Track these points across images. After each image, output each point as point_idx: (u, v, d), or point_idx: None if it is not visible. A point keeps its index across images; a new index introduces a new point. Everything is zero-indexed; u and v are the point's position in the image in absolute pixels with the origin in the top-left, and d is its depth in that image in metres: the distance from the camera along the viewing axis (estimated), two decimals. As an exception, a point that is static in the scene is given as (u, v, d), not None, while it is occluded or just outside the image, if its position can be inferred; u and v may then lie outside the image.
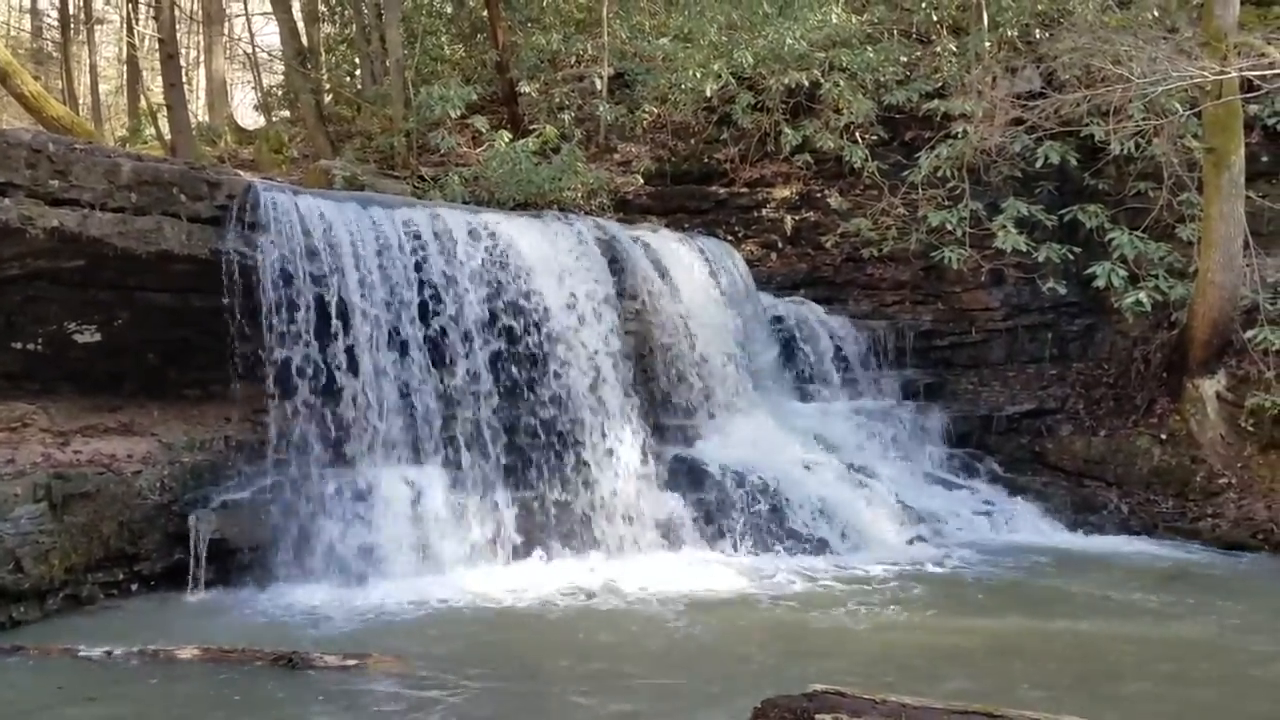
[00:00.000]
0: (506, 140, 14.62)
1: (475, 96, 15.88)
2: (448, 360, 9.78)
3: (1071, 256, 13.00)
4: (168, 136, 17.39)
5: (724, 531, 10.03)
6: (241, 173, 10.94)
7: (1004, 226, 12.89)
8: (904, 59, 15.15)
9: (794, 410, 12.47)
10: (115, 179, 8.67)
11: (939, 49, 15.24)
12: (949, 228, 13.16)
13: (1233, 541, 10.57)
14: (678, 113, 16.08)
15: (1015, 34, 14.86)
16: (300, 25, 20.62)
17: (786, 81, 14.82)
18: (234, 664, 6.54)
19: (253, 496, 8.86)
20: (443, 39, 19.70)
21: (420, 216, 10.18)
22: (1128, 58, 11.14)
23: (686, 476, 10.45)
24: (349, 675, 6.38)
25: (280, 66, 23.62)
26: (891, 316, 14.01)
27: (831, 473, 11.03)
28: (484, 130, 15.40)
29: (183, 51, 24.85)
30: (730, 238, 14.31)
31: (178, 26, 21.39)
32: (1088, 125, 12.47)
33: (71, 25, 22.79)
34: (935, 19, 15.76)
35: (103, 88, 25.63)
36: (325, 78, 20.51)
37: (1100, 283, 12.28)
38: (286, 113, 21.81)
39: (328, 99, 19.89)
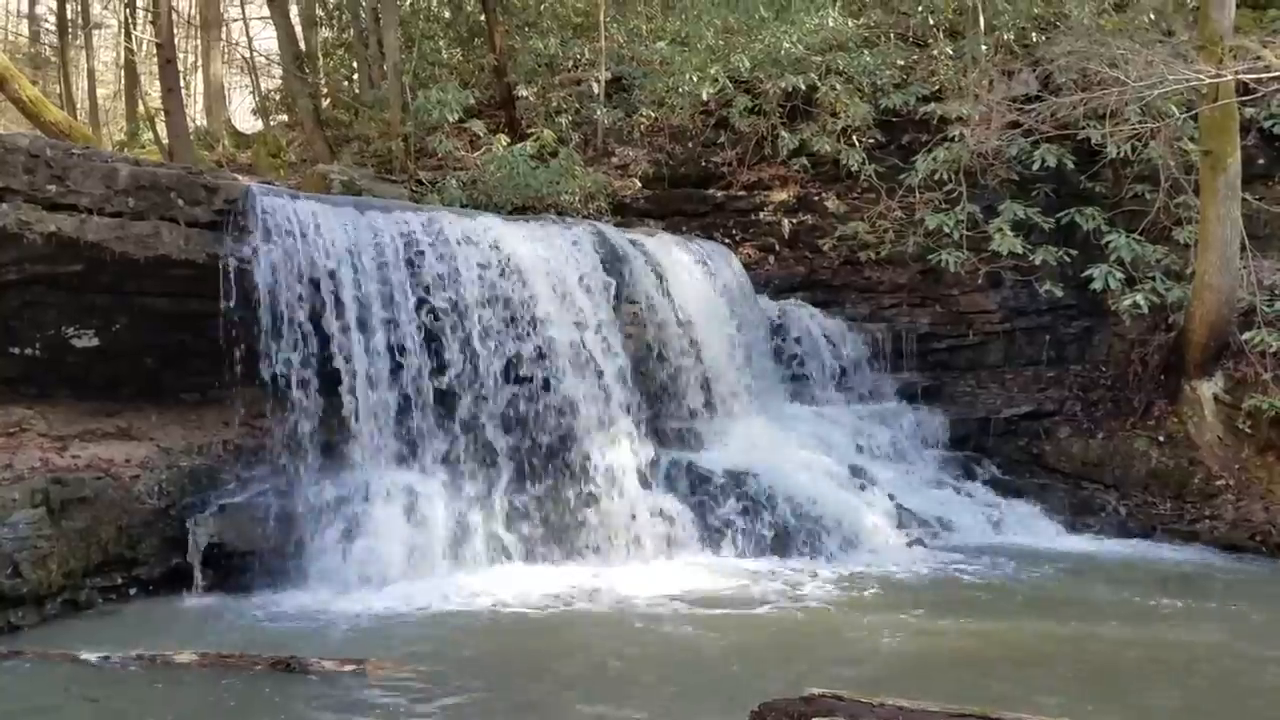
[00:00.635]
0: (504, 144, 14.64)
1: (473, 100, 15.91)
2: (445, 364, 9.77)
3: (1068, 259, 13.02)
4: (165, 141, 17.39)
5: (722, 535, 10.03)
6: (239, 177, 10.93)
7: (1001, 229, 12.91)
8: (901, 62, 15.18)
9: (792, 413, 12.48)
10: (113, 184, 8.68)
11: (936, 52, 15.27)
12: (946, 231, 13.18)
13: (1231, 543, 10.58)
14: (675, 116, 16.10)
15: (1012, 37, 14.89)
16: (298, 30, 20.63)
17: (784, 85, 14.84)
18: (232, 669, 6.54)
19: (251, 501, 8.86)
20: (440, 43, 19.73)
21: (417, 220, 10.18)
22: (1124, 61, 11.16)
23: (685, 480, 10.45)
24: (347, 680, 6.38)
25: (278, 71, 23.65)
26: (889, 319, 14.02)
27: (830, 476, 11.03)
28: (482, 134, 15.42)
29: (180, 56, 24.83)
30: (728, 241, 14.32)
31: (175, 31, 21.38)
32: (1084, 128, 12.50)
33: (69, 30, 22.80)
34: (932, 22, 15.79)
35: (100, 92, 25.61)
36: (323, 82, 20.53)
37: (1097, 285, 12.30)
38: (284, 117, 21.82)
39: (325, 103, 19.91)
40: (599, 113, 16.31)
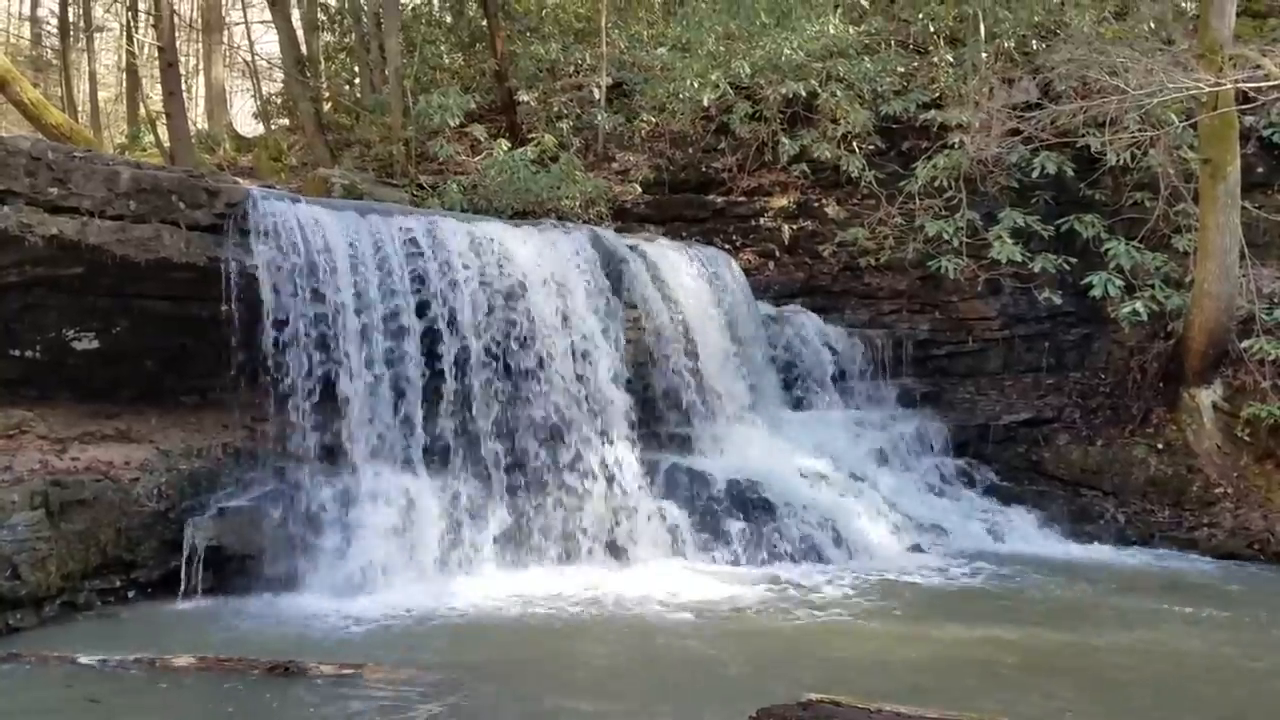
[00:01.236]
0: (505, 149, 14.66)
1: (474, 105, 15.95)
2: (445, 368, 9.78)
3: (1068, 266, 13.04)
4: (167, 144, 17.41)
5: (721, 540, 10.03)
6: (240, 181, 10.95)
7: (1000, 236, 12.94)
8: (901, 69, 15.21)
9: (791, 419, 12.48)
10: (114, 186, 8.70)
11: (936, 60, 15.30)
12: (946, 237, 13.20)
13: (1229, 551, 10.60)
14: (675, 122, 16.13)
15: (1012, 45, 14.93)
16: (299, 34, 20.66)
17: (784, 91, 14.88)
18: (230, 672, 6.54)
19: (250, 504, 8.86)
20: (442, 48, 19.78)
21: (418, 225, 10.20)
22: (1124, 69, 11.20)
23: (684, 485, 10.46)
24: (345, 684, 6.37)
25: (279, 75, 23.67)
26: (889, 325, 14.03)
27: (829, 482, 11.05)
28: (482, 139, 15.44)
29: (182, 59, 24.88)
30: (728, 247, 14.33)
31: (177, 34, 21.41)
32: (1084, 136, 12.53)
33: (71, 33, 22.82)
34: (932, 30, 15.82)
35: (102, 95, 25.65)
36: (324, 86, 20.56)
37: (1097, 292, 12.32)
38: (285, 121, 21.85)
39: (327, 107, 19.93)
40: (600, 118, 16.33)
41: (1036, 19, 15.02)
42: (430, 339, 9.77)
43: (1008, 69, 14.72)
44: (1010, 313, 13.82)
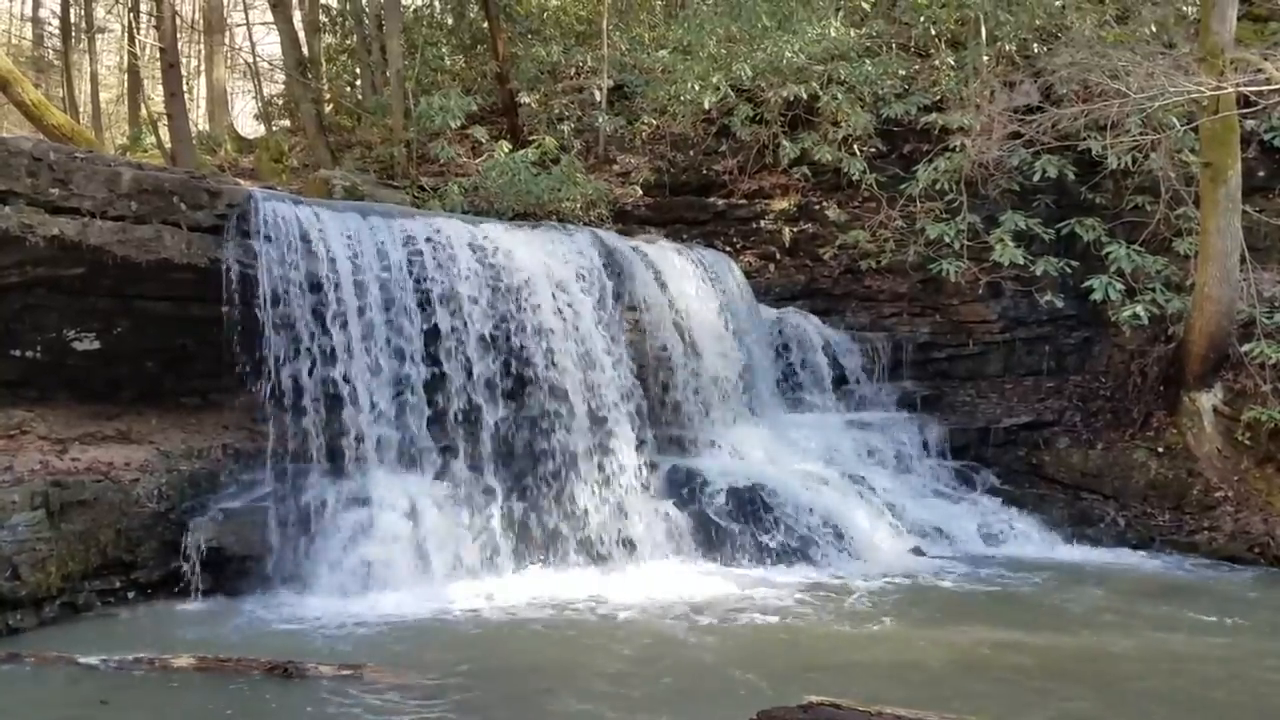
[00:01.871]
0: (506, 151, 14.67)
1: (475, 107, 15.95)
2: (445, 370, 9.79)
3: (1069, 270, 13.05)
4: (168, 145, 17.42)
5: (721, 542, 10.03)
6: (241, 182, 10.97)
7: (1001, 239, 12.94)
8: (902, 72, 15.21)
9: (791, 421, 12.48)
10: (115, 187, 8.71)
11: (937, 63, 15.31)
12: (947, 240, 13.20)
13: (1230, 555, 10.59)
14: (676, 124, 16.14)
15: (1013, 48, 14.93)
16: (301, 35, 20.67)
17: (785, 94, 14.88)
18: (230, 673, 6.53)
19: (250, 505, 8.86)
20: (443, 50, 19.77)
21: (419, 227, 10.21)
22: (1125, 73, 11.20)
23: (684, 487, 10.45)
24: (344, 685, 6.37)
25: (281, 76, 23.68)
26: (889, 328, 14.03)
27: (829, 484, 11.04)
28: (484, 141, 15.45)
29: (184, 60, 24.91)
30: (728, 249, 14.34)
31: (179, 35, 21.43)
32: (1085, 139, 12.53)
33: (73, 34, 22.83)
34: (933, 33, 15.83)
35: (103, 96, 25.67)
36: (326, 87, 20.56)
37: (1097, 296, 12.32)
38: (287, 122, 21.85)
39: (328, 109, 19.94)
40: (601, 120, 16.34)
41: (1038, 22, 15.03)
42: (432, 340, 9.77)
43: (1009, 72, 14.73)
44: (1011, 316, 13.81)
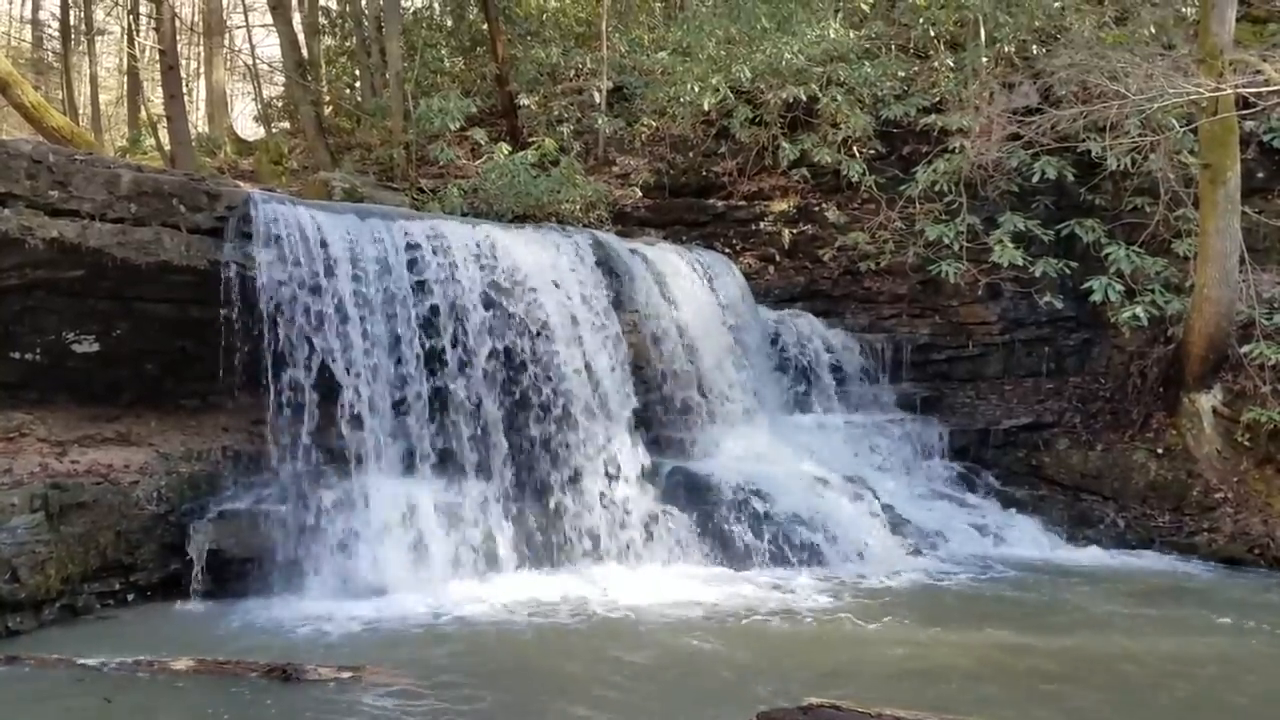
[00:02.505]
0: (505, 152, 14.67)
1: (474, 109, 15.96)
2: (445, 372, 9.79)
3: (1068, 271, 13.05)
4: (167, 147, 17.42)
5: (722, 544, 10.02)
6: (241, 184, 10.96)
7: (1001, 241, 12.94)
8: (901, 74, 15.22)
9: (791, 423, 12.48)
10: (115, 190, 8.71)
11: (936, 64, 15.32)
12: (946, 242, 13.21)
13: (1229, 556, 10.58)
14: (676, 126, 16.15)
15: (1012, 50, 14.94)
16: (301, 37, 20.69)
17: (784, 96, 14.89)
18: (229, 675, 6.53)
19: (250, 507, 8.86)
20: (442, 52, 19.79)
21: (419, 228, 10.21)
22: (1124, 74, 11.21)
23: (684, 489, 10.44)
24: (343, 687, 6.37)
25: (280, 78, 23.70)
26: (889, 329, 14.04)
27: (829, 485, 11.02)
28: (483, 142, 15.46)
29: (183, 63, 24.93)
30: (728, 250, 14.35)
31: (178, 38, 21.44)
32: (1084, 141, 12.53)
33: (72, 36, 22.85)
34: (933, 34, 15.84)
35: (103, 98, 25.68)
36: (325, 89, 20.57)
37: (1097, 297, 12.32)
38: (286, 124, 21.87)
39: (327, 111, 19.95)
40: (600, 122, 16.35)
41: (1037, 24, 15.04)
42: (431, 342, 9.77)
43: (1008, 73, 14.74)
44: (1010, 317, 13.82)
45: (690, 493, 10.40)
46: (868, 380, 13.49)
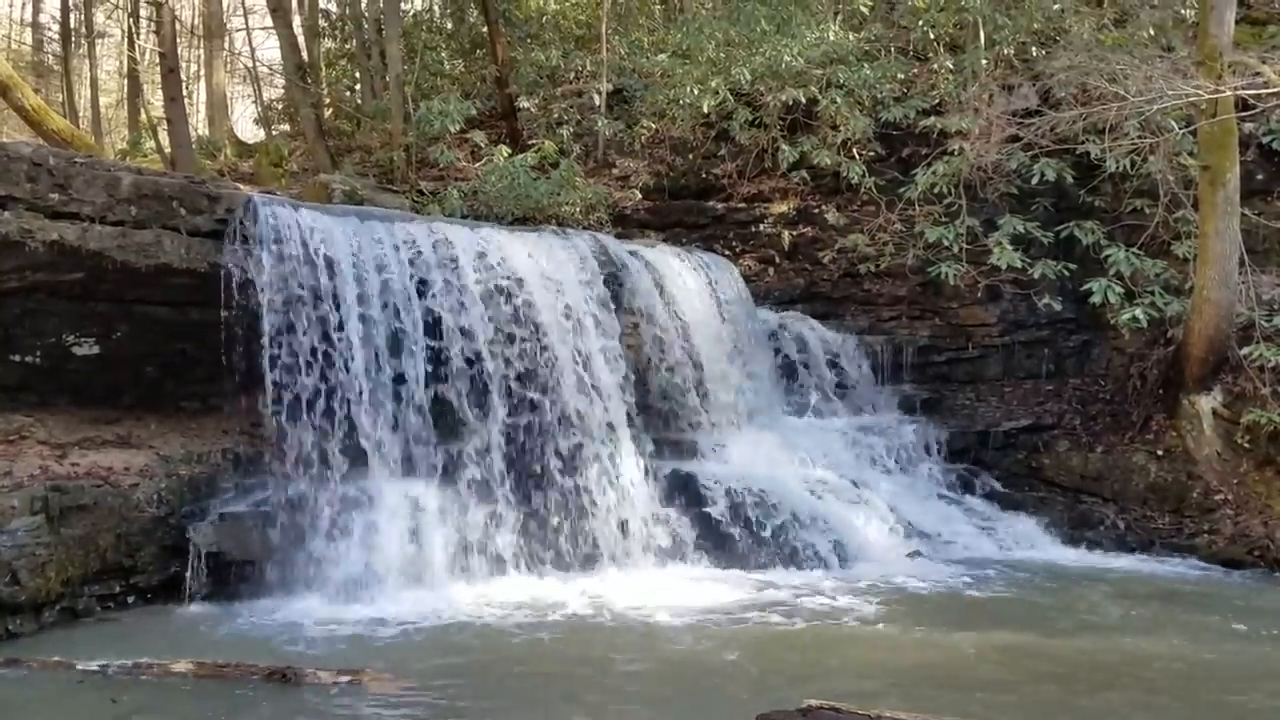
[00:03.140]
0: (505, 155, 14.69)
1: (474, 111, 15.97)
2: (446, 375, 9.78)
3: (1068, 273, 13.06)
4: (168, 150, 17.44)
5: (722, 546, 10.02)
6: (241, 186, 10.98)
7: (1000, 243, 12.95)
8: (901, 76, 15.24)
9: (791, 425, 12.48)
10: (115, 192, 8.71)
11: (936, 66, 15.33)
12: (946, 244, 13.22)
13: (1229, 558, 10.58)
14: (676, 128, 16.16)
15: (1012, 52, 14.95)
16: (301, 40, 20.71)
17: (784, 98, 14.90)
18: (228, 679, 6.52)
19: (250, 510, 8.86)
20: (442, 54, 19.81)
21: (419, 231, 10.21)
22: (1123, 76, 11.21)
23: (684, 491, 10.44)
24: (342, 691, 6.36)
25: (280, 81, 23.72)
26: (889, 332, 14.05)
27: (829, 488, 11.04)
28: (483, 145, 15.47)
29: (183, 65, 24.93)
30: (728, 253, 14.35)
31: (178, 41, 21.47)
32: (1084, 143, 12.54)
33: (72, 39, 22.87)
34: (932, 36, 15.85)
35: (103, 101, 25.71)
36: (325, 92, 20.59)
37: (1097, 299, 12.32)
38: (286, 127, 21.89)
39: (327, 113, 19.97)
40: (600, 124, 16.37)
41: (1036, 26, 15.05)
42: (432, 344, 9.77)
43: (1007, 75, 14.75)
44: (1010, 319, 13.83)
45: (690, 495, 10.40)
46: (868, 382, 13.49)
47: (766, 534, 10.12)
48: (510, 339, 10.13)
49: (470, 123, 15.77)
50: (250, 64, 26.56)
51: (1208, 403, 11.67)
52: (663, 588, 9.08)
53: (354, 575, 8.62)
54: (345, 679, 6.50)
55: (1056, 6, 15.31)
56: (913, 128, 14.46)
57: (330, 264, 9.43)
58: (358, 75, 21.03)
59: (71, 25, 22.72)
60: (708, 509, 10.26)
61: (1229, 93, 10.48)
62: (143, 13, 20.98)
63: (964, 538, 11.17)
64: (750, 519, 10.22)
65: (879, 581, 9.48)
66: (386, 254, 9.78)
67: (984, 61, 14.76)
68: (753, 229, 14.96)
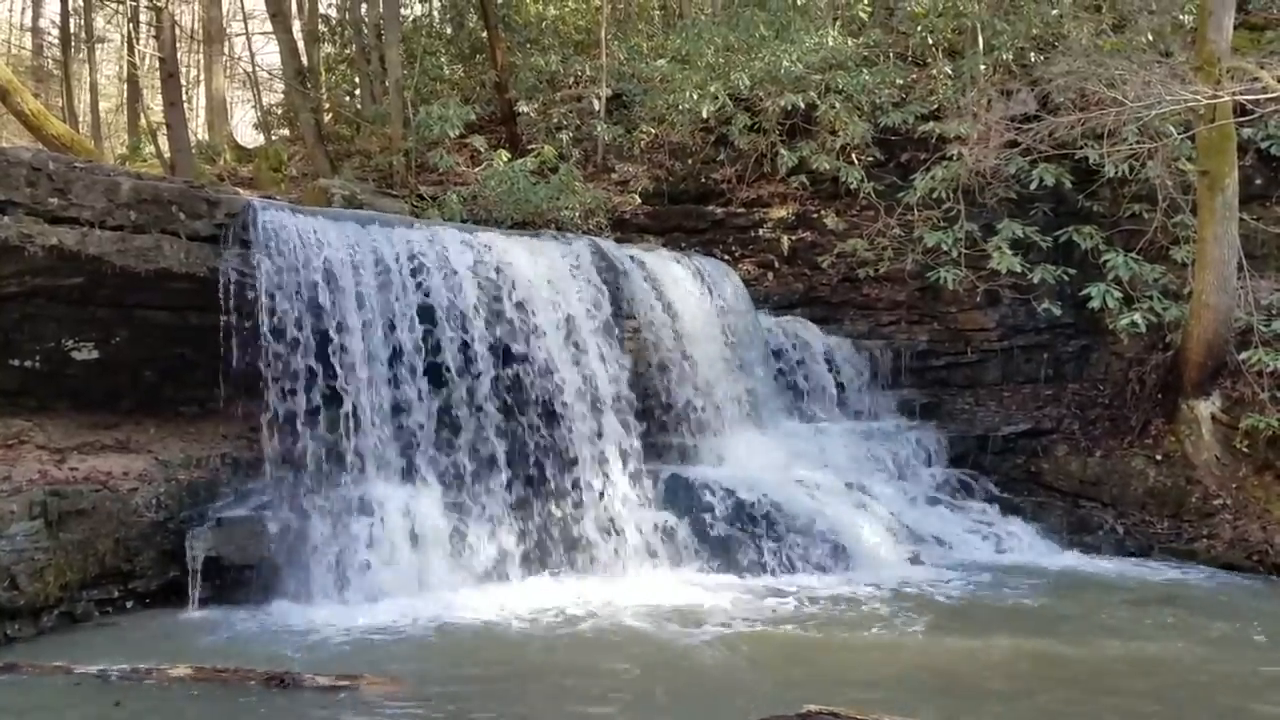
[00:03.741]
0: (505, 160, 14.71)
1: (474, 116, 16.00)
2: (444, 379, 9.79)
3: (1066, 278, 13.06)
4: (167, 155, 17.46)
5: (721, 551, 10.02)
6: (240, 191, 10.98)
7: (999, 248, 12.96)
8: (900, 81, 15.27)
9: (790, 429, 12.48)
10: (115, 197, 8.72)
11: (934, 72, 15.36)
12: (944, 248, 13.23)
13: (1228, 563, 10.57)
14: (675, 133, 16.18)
15: (1010, 57, 14.97)
16: (300, 45, 20.71)
17: (783, 103, 14.92)
18: (227, 684, 6.52)
19: (249, 514, 8.86)
20: (442, 59, 19.85)
21: (418, 236, 10.22)
22: (1122, 81, 11.23)
23: (683, 495, 10.45)
24: (341, 696, 6.36)
25: (280, 85, 23.75)
26: (888, 336, 14.06)
27: (828, 492, 11.03)
28: (482, 150, 15.49)
29: (183, 70, 24.98)
30: (727, 257, 14.36)
31: (178, 45, 21.50)
32: (1082, 148, 12.55)
33: (72, 43, 22.88)
34: (931, 42, 15.88)
35: (103, 106, 25.72)
36: (325, 97, 20.60)
37: (1095, 304, 12.34)
38: (286, 131, 21.91)
39: (327, 118, 19.98)
40: (599, 129, 16.39)
41: (1035, 31, 15.08)
42: (431, 349, 9.78)
43: (1006, 81, 14.75)
44: (1009, 324, 13.84)
45: (689, 499, 10.41)
46: (867, 387, 13.50)
47: (766, 539, 10.12)
48: (509, 343, 10.14)
49: (470, 128, 15.79)
50: (250, 69, 26.59)
51: (1206, 407, 11.68)
52: (661, 592, 9.07)
53: (353, 580, 8.63)
54: (344, 684, 6.50)
55: (1055, 12, 15.35)
56: (911, 133, 14.48)
57: (329, 269, 9.44)
58: (357, 80, 21.07)
59: (71, 30, 22.74)
60: (706, 513, 10.26)
61: (1227, 98, 10.50)
62: (143, 18, 20.99)
63: (963, 543, 11.17)
64: (748, 523, 10.22)
65: (877, 586, 9.47)
66: (385, 259, 9.79)
67: (982, 67, 14.79)
68: (752, 234, 14.98)
